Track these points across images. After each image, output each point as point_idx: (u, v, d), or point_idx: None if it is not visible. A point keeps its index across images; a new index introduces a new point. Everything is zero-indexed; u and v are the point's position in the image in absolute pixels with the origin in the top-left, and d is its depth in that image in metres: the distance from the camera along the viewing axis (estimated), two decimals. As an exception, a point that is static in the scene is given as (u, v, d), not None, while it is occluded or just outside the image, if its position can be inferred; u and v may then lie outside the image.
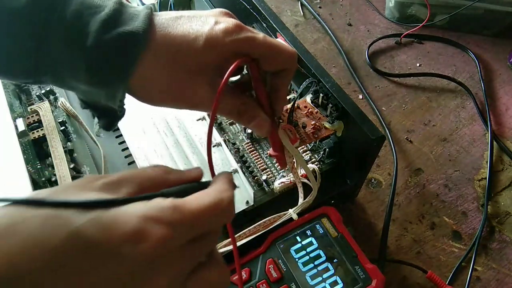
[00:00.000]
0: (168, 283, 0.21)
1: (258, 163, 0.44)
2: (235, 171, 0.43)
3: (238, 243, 0.37)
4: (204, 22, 0.28)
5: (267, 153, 0.45)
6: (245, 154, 0.45)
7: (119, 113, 0.30)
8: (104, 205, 0.20)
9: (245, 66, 0.32)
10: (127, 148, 0.46)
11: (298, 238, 0.39)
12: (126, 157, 0.46)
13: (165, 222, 0.20)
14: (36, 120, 0.47)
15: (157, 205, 0.21)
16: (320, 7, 0.74)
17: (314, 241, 0.39)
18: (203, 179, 0.26)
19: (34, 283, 0.17)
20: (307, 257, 0.38)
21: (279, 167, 0.44)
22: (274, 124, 0.33)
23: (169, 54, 0.28)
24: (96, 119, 0.32)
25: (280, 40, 0.45)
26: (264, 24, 0.48)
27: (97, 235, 0.18)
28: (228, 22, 0.28)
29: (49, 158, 0.43)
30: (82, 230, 0.18)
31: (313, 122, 0.41)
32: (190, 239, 0.22)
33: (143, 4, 0.55)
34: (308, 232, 0.40)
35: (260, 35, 0.29)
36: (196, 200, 0.22)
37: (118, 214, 0.19)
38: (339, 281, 0.37)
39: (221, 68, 0.29)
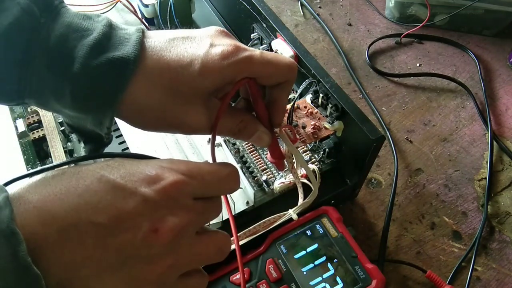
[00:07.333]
0: (179, 228, 0.23)
1: (258, 163, 0.44)
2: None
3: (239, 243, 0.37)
4: (199, 45, 0.27)
5: (267, 154, 0.45)
6: (245, 155, 0.45)
7: (106, 139, 0.29)
8: (125, 156, 0.25)
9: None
10: (127, 148, 0.46)
11: (298, 238, 0.39)
12: (126, 157, 0.46)
13: (178, 171, 0.24)
14: (36, 120, 0.47)
15: (172, 160, 0.25)
16: (320, 7, 0.74)
17: (314, 241, 0.39)
18: None
19: (77, 218, 0.21)
20: (307, 257, 0.38)
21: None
22: (274, 135, 0.33)
23: (162, 79, 0.26)
24: (82, 144, 0.31)
25: (281, 42, 0.45)
26: (264, 24, 0.48)
27: (118, 179, 0.22)
28: (224, 44, 0.27)
29: (49, 158, 0.44)
30: (105, 175, 0.22)
31: (313, 122, 0.41)
32: (200, 196, 0.25)
33: (143, 5, 0.54)
34: (308, 232, 0.40)
35: (257, 52, 0.27)
36: (207, 163, 0.26)
37: (138, 164, 0.24)
38: (339, 281, 0.37)
39: (218, 90, 0.28)
